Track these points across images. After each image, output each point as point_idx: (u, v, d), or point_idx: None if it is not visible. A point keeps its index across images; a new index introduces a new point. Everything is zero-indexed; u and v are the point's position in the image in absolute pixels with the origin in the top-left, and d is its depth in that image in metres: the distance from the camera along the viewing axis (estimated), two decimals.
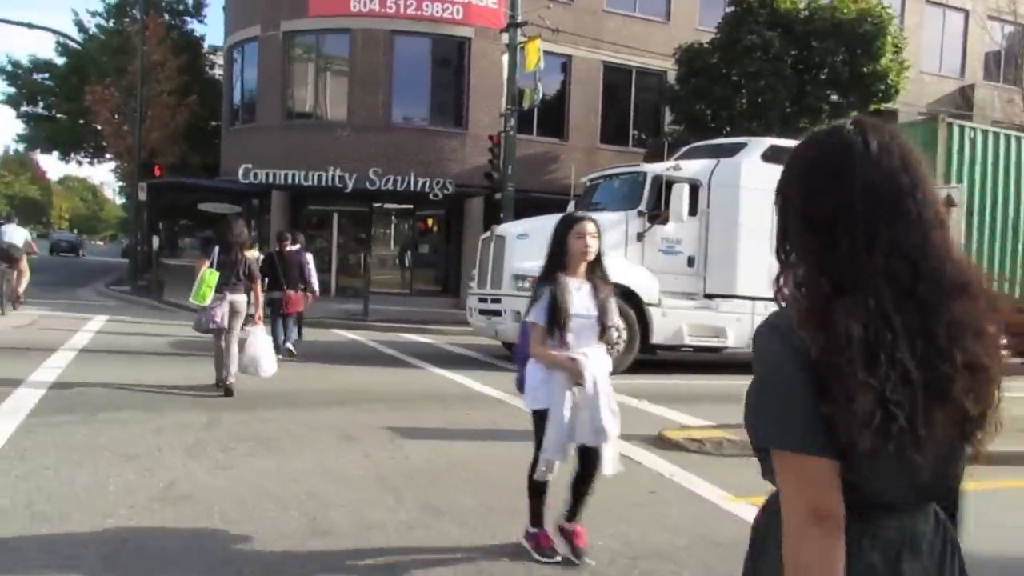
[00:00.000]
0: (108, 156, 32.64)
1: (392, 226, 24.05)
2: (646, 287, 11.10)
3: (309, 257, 11.79)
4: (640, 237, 11.43)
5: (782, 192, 1.26)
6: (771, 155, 11.93)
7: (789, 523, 1.13)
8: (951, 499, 1.28)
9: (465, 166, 21.49)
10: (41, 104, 33.79)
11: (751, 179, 11.60)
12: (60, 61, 32.94)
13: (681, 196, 11.11)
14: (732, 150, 12.23)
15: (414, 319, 17.78)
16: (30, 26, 20.95)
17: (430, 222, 23.87)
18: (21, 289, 14.17)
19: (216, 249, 7.57)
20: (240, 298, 7.53)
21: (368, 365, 10.21)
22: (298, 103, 22.33)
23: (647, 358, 11.16)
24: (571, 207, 14.03)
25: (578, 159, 23.05)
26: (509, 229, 11.66)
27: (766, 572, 1.26)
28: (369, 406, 7.16)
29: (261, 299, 8.05)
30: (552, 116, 22.27)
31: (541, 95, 18.27)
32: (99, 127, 28.55)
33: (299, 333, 10.91)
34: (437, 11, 20.93)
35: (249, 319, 7.68)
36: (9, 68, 32.76)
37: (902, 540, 1.20)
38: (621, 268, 10.70)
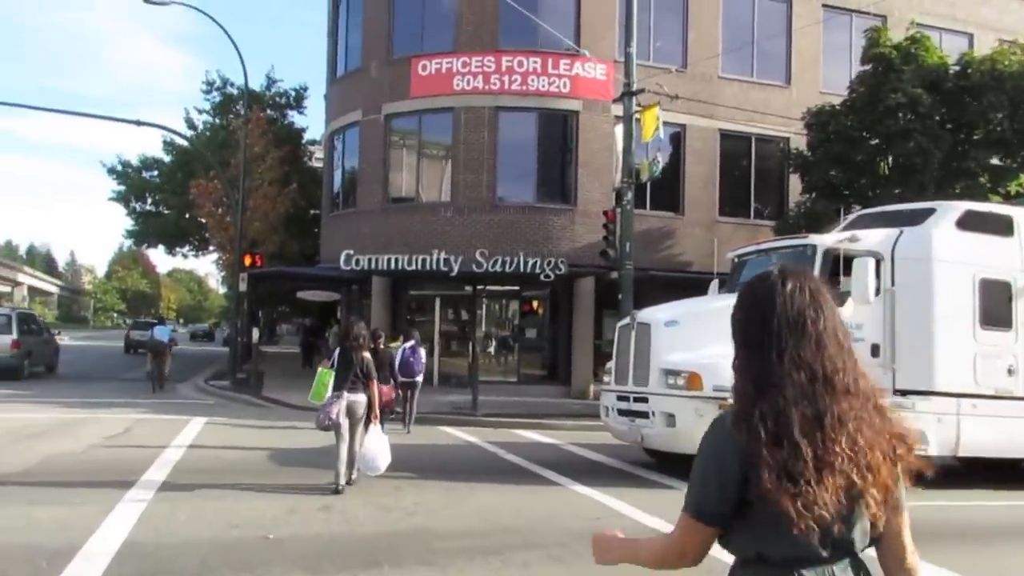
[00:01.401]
0: (211, 248, 33.08)
1: (496, 309, 22.72)
2: None
3: (422, 352, 13.10)
4: None
5: (732, 322, 1.76)
6: (968, 222, 9.99)
7: (669, 543, 1.73)
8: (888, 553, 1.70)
9: (575, 244, 20.07)
10: (149, 200, 34.78)
11: (945, 251, 9.69)
12: (167, 159, 33.98)
13: (865, 272, 9.21)
14: (916, 217, 10.27)
15: (526, 412, 16.10)
16: (138, 123, 21.23)
17: (535, 304, 22.41)
18: (167, 371, 19.62)
19: (337, 350, 7.92)
20: (358, 397, 7.75)
21: (497, 481, 8.50)
22: (399, 186, 21.61)
23: None
24: (714, 287, 12.27)
25: (696, 234, 21.36)
26: (655, 315, 9.93)
27: None
28: (522, 555, 5.44)
29: (377, 398, 8.08)
30: (667, 189, 20.72)
31: (661, 166, 16.77)
32: (203, 220, 28.87)
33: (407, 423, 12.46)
34: (543, 85, 19.99)
35: (367, 418, 7.86)
36: (120, 168, 33.94)
37: None
38: None
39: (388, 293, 21.49)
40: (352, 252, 18.73)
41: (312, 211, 33.35)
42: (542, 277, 18.01)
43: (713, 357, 9.02)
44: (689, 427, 8.55)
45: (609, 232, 17.24)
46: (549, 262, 17.99)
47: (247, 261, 22.42)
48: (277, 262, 27.56)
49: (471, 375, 16.61)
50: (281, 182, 28.41)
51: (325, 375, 7.62)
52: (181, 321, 69.74)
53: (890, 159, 17.97)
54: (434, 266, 18.11)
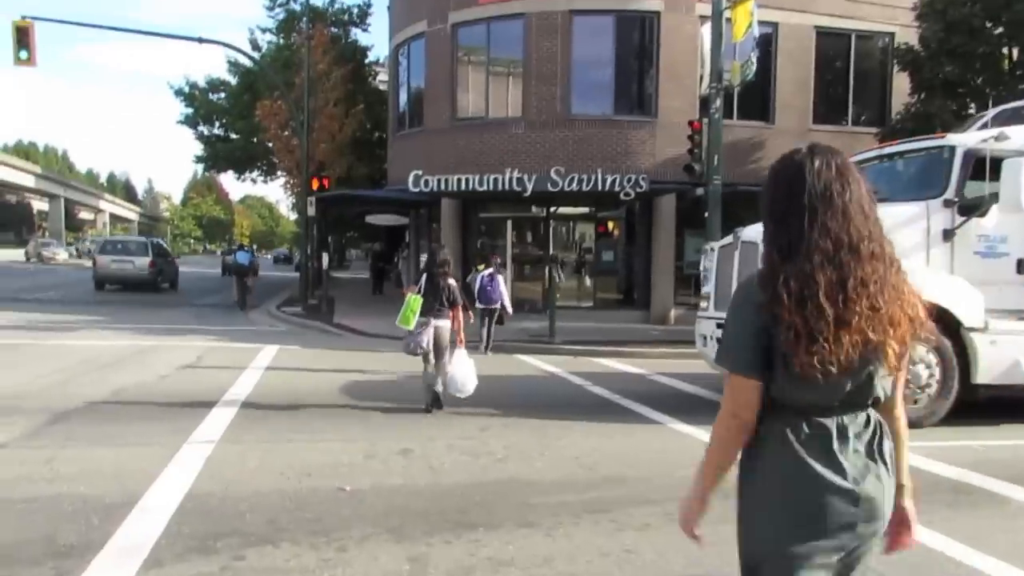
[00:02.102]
0: (279, 173, 32.78)
1: (570, 231, 21.68)
2: (966, 305, 7.90)
3: (500, 279, 14.02)
4: (948, 235, 8.24)
5: (761, 198, 1.92)
6: None
7: (721, 413, 1.84)
8: (885, 409, 1.90)
9: (655, 159, 18.73)
10: (216, 124, 34.53)
11: None
12: (233, 80, 33.48)
13: (1018, 174, 7.88)
14: None
15: (605, 339, 15.27)
16: (200, 40, 20.49)
17: (611, 225, 21.27)
18: (250, 286, 21.90)
19: (424, 276, 8.08)
20: (443, 323, 7.97)
21: (588, 418, 7.72)
22: (468, 102, 20.46)
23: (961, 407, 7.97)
24: None
25: (787, 145, 19.15)
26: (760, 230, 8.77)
27: (750, 477, 1.88)
28: (636, 514, 4.65)
29: (463, 323, 8.17)
30: (755, 95, 19.00)
31: (755, 68, 15.17)
32: (269, 144, 28.40)
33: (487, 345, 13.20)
34: None
35: (453, 342, 8.01)
36: (187, 89, 33.64)
37: (833, 429, 1.80)
38: (929, 279, 7.68)
39: (457, 216, 20.69)
40: (420, 173, 17.87)
41: (378, 134, 32.55)
42: (622, 195, 16.83)
43: None
44: None
45: (694, 144, 15.90)
46: (629, 179, 16.75)
47: (314, 184, 21.91)
48: (345, 186, 27.01)
49: (548, 301, 15.79)
50: (347, 102, 27.59)
51: (414, 301, 7.81)
52: (255, 247, 72.46)
53: (1015, 52, 15.89)
54: (506, 186, 17.09)
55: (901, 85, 18.75)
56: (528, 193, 16.94)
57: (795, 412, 1.80)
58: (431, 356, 7.89)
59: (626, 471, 5.74)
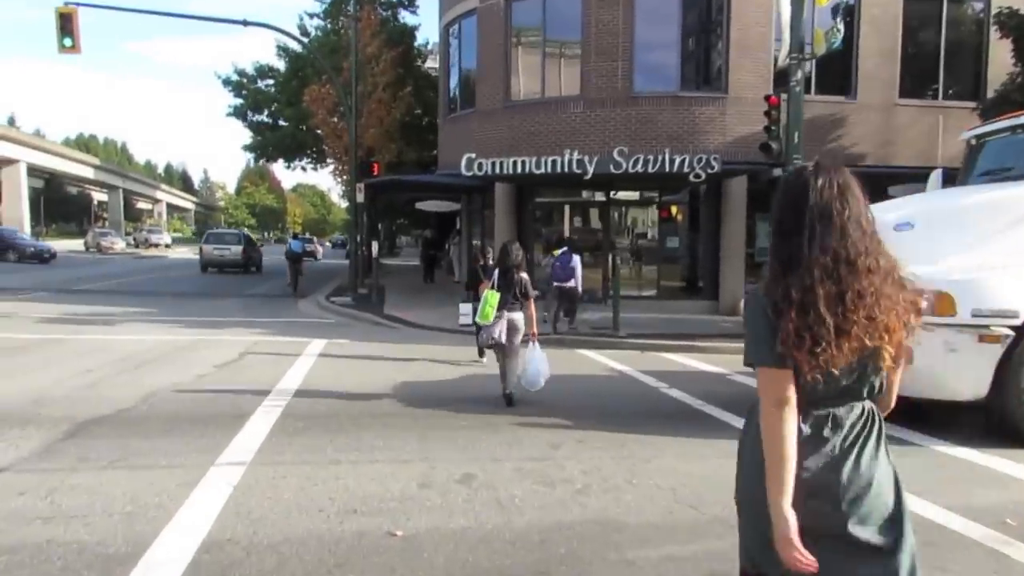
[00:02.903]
0: (328, 161, 32.22)
1: (631, 216, 20.46)
2: None
3: (577, 259, 14.33)
4: None
5: (772, 210, 2.08)
6: None
7: (764, 408, 1.95)
8: (880, 402, 2.06)
9: (724, 138, 17.39)
10: (265, 112, 34.13)
11: None
12: (281, 66, 32.99)
13: None
14: None
15: (673, 332, 14.10)
16: (245, 23, 19.80)
17: (674, 209, 19.97)
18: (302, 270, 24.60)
19: (497, 270, 8.17)
20: (517, 315, 8.03)
21: (674, 432, 6.65)
22: (522, 80, 19.37)
23: None
24: (935, 179, 9.56)
25: (870, 120, 18.08)
26: (882, 215, 7.55)
27: (750, 438, 2.08)
28: None
29: (535, 316, 8.16)
30: (835, 68, 17.49)
31: (842, 35, 13.73)
32: (318, 130, 27.76)
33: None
34: None
35: (526, 336, 8.03)
36: (235, 77, 33.26)
37: (826, 419, 1.97)
38: None
39: (512, 201, 19.68)
40: (473, 156, 16.88)
41: (427, 118, 31.75)
42: (691, 177, 15.55)
43: (968, 270, 6.67)
44: (936, 365, 6.31)
45: (772, 121, 14.54)
46: (700, 159, 15.45)
47: (372, 170, 21.19)
48: (394, 172, 26.24)
49: (611, 290, 14.68)
50: (395, 86, 26.78)
51: (492, 296, 7.89)
52: (307, 235, 74.02)
53: None
54: (565, 168, 15.97)
55: (999, 55, 16.99)
56: (588, 176, 15.80)
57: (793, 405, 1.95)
58: (504, 348, 7.99)
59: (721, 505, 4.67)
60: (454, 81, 22.29)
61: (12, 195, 62.96)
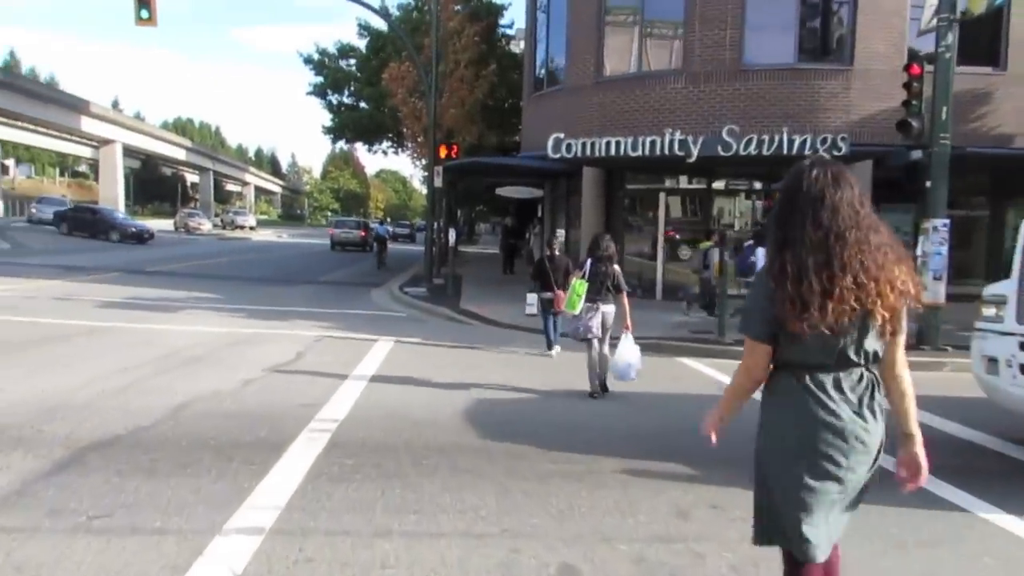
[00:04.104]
0: (408, 145, 31.17)
1: (733, 205, 18.48)
2: None
3: (761, 252, 12.81)
4: None
5: (775, 204, 2.44)
6: None
7: (739, 366, 2.42)
8: (875, 365, 2.34)
9: (848, 117, 15.21)
10: (346, 93, 33.33)
11: None
12: (362, 45, 32.08)
13: None
14: None
15: None
16: None
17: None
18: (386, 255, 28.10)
19: (588, 261, 8.04)
20: (610, 308, 8.02)
21: None
22: (617, 53, 17.62)
23: None
24: None
25: (1022, 95, 15.59)
26: None
27: (765, 417, 2.44)
28: None
29: (628, 308, 7.96)
30: (980, 36, 15.05)
31: None
32: (398, 111, 26.61)
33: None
34: None
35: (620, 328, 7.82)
36: (317, 56, 32.53)
37: (829, 381, 2.29)
38: None
39: (600, 187, 18.03)
40: (562, 136, 15.27)
41: (510, 101, 30.33)
42: None
43: None
44: None
45: (912, 94, 12.48)
46: (824, 139, 13.40)
47: (442, 152, 19.85)
48: (474, 156, 24.89)
49: (720, 288, 12.85)
50: (478, 64, 25.37)
51: (580, 286, 7.89)
52: (388, 220, 74.60)
53: None
54: (666, 149, 14.17)
55: None
56: (693, 158, 13.95)
57: (800, 368, 2.32)
58: (596, 341, 7.87)
59: None
60: (541, 56, 20.69)
61: (108, 175, 64.90)
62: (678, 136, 14.13)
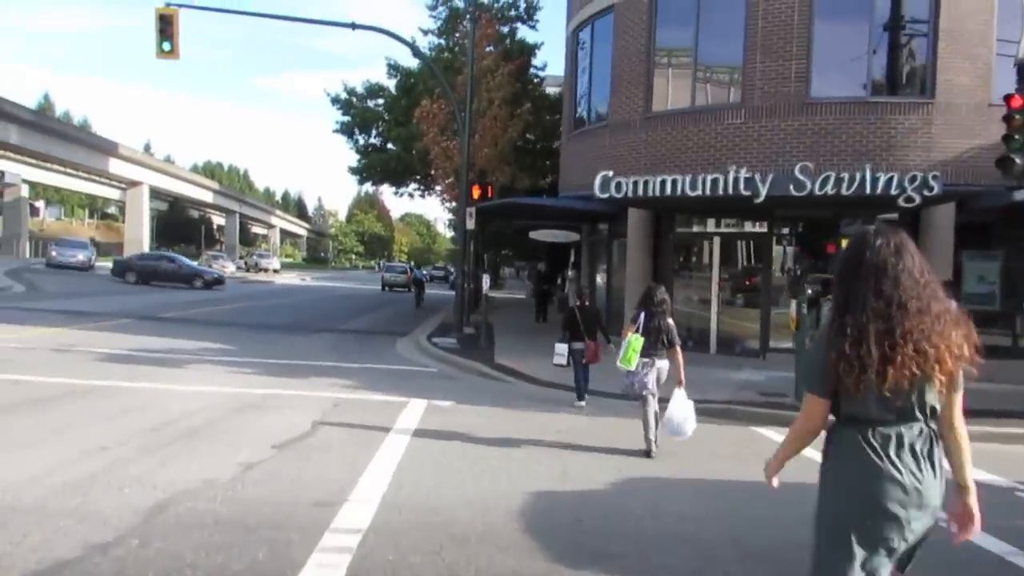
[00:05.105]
0: (437, 188, 30.07)
1: (790, 252, 16.91)
2: None
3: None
4: None
5: (836, 264, 2.56)
6: None
7: (798, 417, 2.55)
8: (936, 421, 2.41)
9: (929, 155, 13.68)
10: (373, 133, 32.45)
11: None
12: (391, 85, 31.28)
13: None
14: None
15: None
16: (353, 27, 17.76)
17: (844, 244, 16.28)
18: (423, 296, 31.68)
19: (643, 315, 7.77)
20: (664, 363, 7.80)
21: None
22: (668, 86, 16.34)
23: None
24: None
25: None
26: None
27: (828, 468, 2.51)
28: None
29: (682, 363, 7.64)
30: None
31: None
32: (427, 152, 25.53)
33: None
34: None
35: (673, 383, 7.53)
36: (344, 95, 31.75)
37: (890, 438, 2.36)
38: None
39: (647, 230, 16.63)
40: (610, 174, 13.89)
41: (543, 143, 29.28)
42: (901, 201, 11.92)
43: None
44: None
45: (1013, 127, 11.05)
46: (913, 177, 11.83)
47: (475, 193, 18.63)
48: (506, 198, 23.65)
49: (797, 344, 11.27)
50: (512, 104, 24.32)
51: (636, 341, 7.63)
52: (412, 263, 74.51)
53: None
54: (730, 188, 12.67)
55: None
56: (761, 198, 12.43)
57: (863, 423, 2.39)
58: (652, 397, 7.65)
59: None
60: (581, 91, 19.49)
61: (135, 216, 64.89)
62: (743, 174, 12.66)
